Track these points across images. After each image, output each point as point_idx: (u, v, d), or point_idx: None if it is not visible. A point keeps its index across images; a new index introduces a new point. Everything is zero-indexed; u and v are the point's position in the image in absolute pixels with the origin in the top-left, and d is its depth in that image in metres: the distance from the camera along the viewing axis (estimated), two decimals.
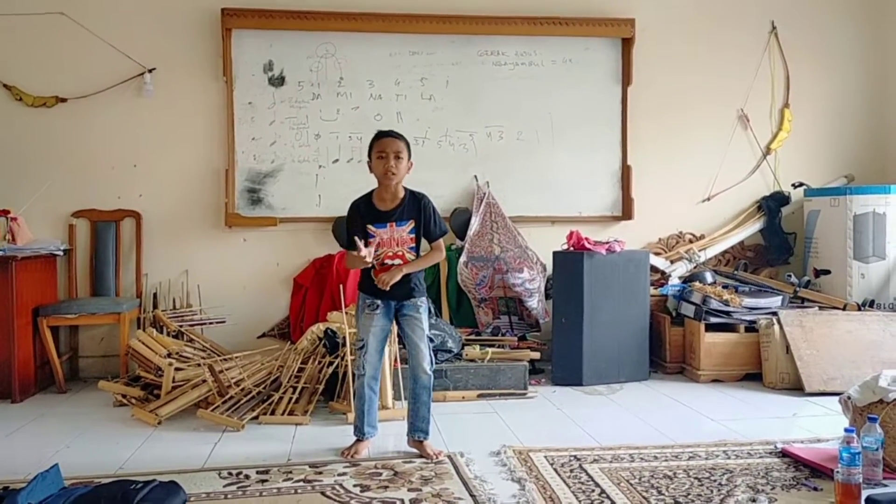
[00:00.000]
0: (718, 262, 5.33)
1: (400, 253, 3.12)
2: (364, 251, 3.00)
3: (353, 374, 3.33)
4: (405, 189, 3.18)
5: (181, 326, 4.51)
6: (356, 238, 3.04)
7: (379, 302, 3.15)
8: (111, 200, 4.81)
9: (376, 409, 3.30)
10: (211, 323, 4.70)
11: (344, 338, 3.86)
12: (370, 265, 3.08)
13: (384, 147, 3.09)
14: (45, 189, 4.66)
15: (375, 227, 3.12)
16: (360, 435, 3.23)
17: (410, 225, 3.14)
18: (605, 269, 4.45)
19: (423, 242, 3.21)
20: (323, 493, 2.73)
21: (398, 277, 3.08)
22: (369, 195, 3.19)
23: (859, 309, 4.59)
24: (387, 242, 3.12)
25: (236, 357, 4.18)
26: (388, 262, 3.12)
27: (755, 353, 4.47)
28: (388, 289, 3.09)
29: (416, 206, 3.16)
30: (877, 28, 5.47)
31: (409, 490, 2.76)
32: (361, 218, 3.14)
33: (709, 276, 4.93)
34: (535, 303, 4.84)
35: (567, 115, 5.17)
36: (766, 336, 4.40)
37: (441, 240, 3.24)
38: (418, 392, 3.20)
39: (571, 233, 4.57)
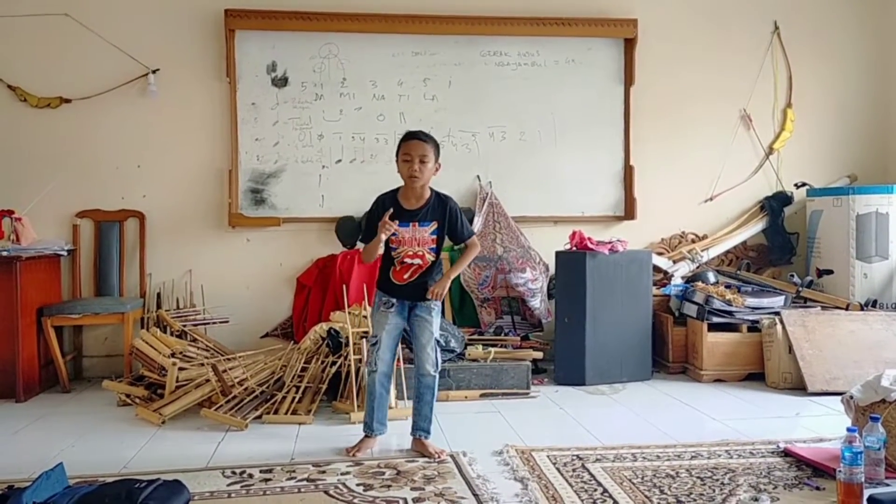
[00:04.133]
0: (721, 262, 5.33)
1: (420, 253, 3.15)
2: (388, 228, 3.05)
3: (366, 371, 3.33)
4: (431, 190, 3.20)
5: (185, 326, 4.52)
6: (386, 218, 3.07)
7: (394, 300, 3.18)
8: (115, 201, 4.83)
9: (387, 407, 3.31)
10: (214, 323, 4.71)
11: (347, 338, 3.87)
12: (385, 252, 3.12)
13: (409, 150, 3.11)
14: (49, 189, 4.68)
15: (399, 225, 3.13)
16: (370, 431, 3.25)
17: (433, 226, 3.17)
18: (607, 269, 4.46)
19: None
20: (326, 493, 2.74)
21: (448, 286, 3.19)
22: (395, 192, 3.21)
23: (862, 309, 4.59)
24: (408, 242, 3.14)
25: (240, 357, 4.20)
26: (408, 261, 3.15)
27: (758, 352, 4.47)
28: (441, 300, 3.19)
29: (441, 209, 3.18)
30: (880, 28, 5.46)
31: (411, 489, 2.77)
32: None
33: (711, 276, 4.93)
34: (538, 303, 4.84)
35: (570, 115, 5.17)
36: (768, 336, 4.40)
37: (474, 237, 3.29)
38: (422, 392, 3.22)
39: (574, 233, 4.57)
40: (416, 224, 3.15)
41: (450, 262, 4.92)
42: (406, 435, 3.26)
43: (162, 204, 4.87)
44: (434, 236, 3.17)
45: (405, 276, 3.16)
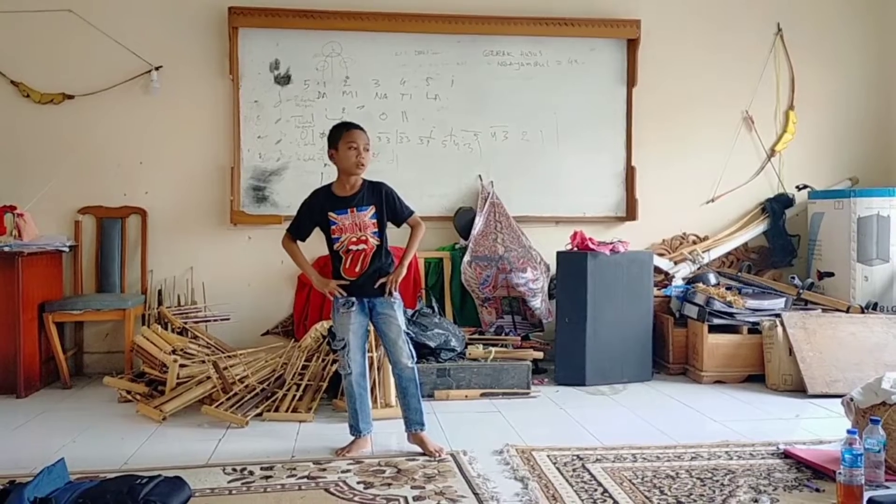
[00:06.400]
0: (722, 263, 5.33)
1: (364, 238, 3.16)
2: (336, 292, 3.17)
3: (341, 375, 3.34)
4: (363, 179, 3.23)
5: (186, 323, 4.52)
6: (338, 294, 3.17)
7: (353, 299, 3.18)
8: (117, 197, 4.83)
9: (369, 406, 3.31)
10: (215, 320, 4.71)
11: None
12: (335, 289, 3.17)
13: (356, 139, 3.14)
14: (51, 185, 4.68)
15: (336, 213, 3.17)
16: (357, 433, 3.25)
17: (372, 210, 3.18)
18: (608, 270, 4.46)
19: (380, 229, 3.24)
20: (327, 490, 2.74)
21: (405, 273, 3.20)
22: (329, 185, 3.25)
23: (862, 311, 4.59)
24: (349, 228, 3.16)
25: (240, 354, 4.20)
26: (353, 248, 3.16)
27: (758, 354, 4.48)
28: (398, 290, 3.20)
29: (375, 193, 3.21)
30: (882, 30, 5.46)
31: (412, 487, 2.77)
32: (321, 205, 3.19)
33: (712, 278, 4.93)
34: (539, 303, 4.85)
35: (572, 115, 5.17)
36: (769, 338, 4.40)
37: (415, 215, 3.29)
38: (405, 386, 3.22)
39: (575, 233, 4.57)
40: (354, 210, 3.16)
41: (451, 262, 4.99)
42: (405, 433, 3.25)
43: (164, 201, 4.87)
44: (374, 220, 3.18)
45: (356, 270, 3.16)
